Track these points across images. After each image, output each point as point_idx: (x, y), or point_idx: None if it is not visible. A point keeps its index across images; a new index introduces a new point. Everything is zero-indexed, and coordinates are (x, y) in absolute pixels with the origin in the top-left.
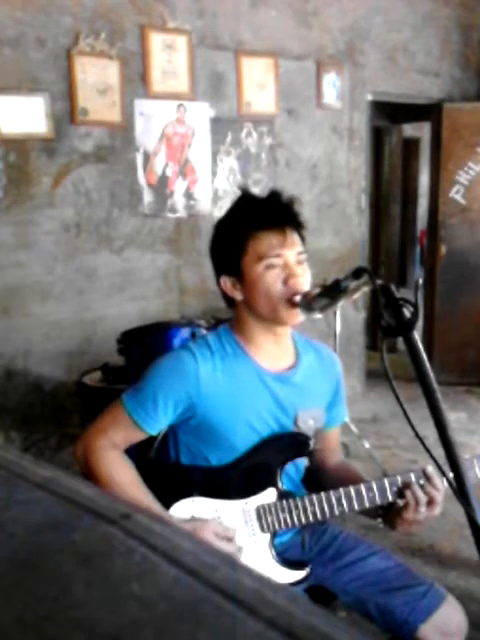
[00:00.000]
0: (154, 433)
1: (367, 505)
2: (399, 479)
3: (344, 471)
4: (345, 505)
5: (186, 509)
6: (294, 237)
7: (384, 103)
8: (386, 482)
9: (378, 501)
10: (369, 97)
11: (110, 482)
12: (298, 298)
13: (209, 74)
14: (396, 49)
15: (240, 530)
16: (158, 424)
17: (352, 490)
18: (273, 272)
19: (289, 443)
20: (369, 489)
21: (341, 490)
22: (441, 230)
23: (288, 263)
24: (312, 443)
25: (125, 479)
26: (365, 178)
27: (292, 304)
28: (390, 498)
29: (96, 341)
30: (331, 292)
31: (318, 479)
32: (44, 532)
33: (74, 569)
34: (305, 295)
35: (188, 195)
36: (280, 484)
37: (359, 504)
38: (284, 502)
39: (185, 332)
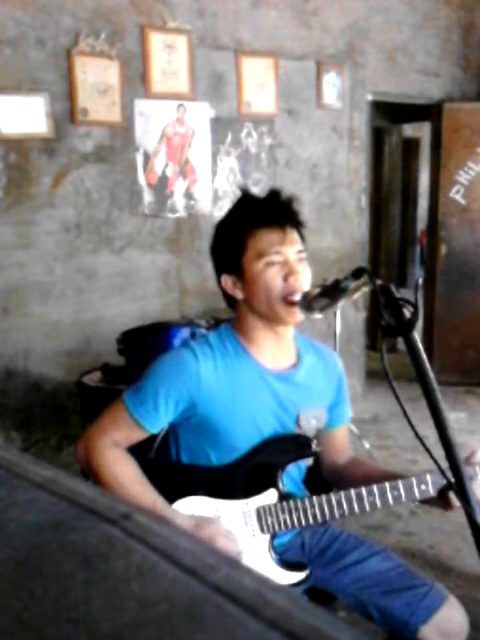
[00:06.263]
0: (155, 431)
1: (367, 508)
2: (401, 484)
3: (358, 466)
4: (345, 508)
5: (186, 508)
6: (294, 235)
7: (384, 103)
8: (387, 486)
9: (378, 505)
10: (369, 97)
11: (113, 480)
12: (297, 297)
13: (209, 74)
14: (396, 49)
15: (240, 530)
16: (159, 422)
17: (353, 493)
18: (273, 269)
19: (291, 445)
20: (370, 493)
21: (342, 493)
22: (441, 230)
23: (288, 260)
24: (314, 445)
25: (128, 476)
26: (365, 178)
27: (290, 303)
28: (391, 502)
29: (96, 341)
30: (331, 292)
31: (334, 480)
32: (44, 532)
33: (74, 569)
34: (305, 295)
35: (188, 195)
36: (281, 485)
37: (359, 507)
38: (284, 503)
39: (185, 332)
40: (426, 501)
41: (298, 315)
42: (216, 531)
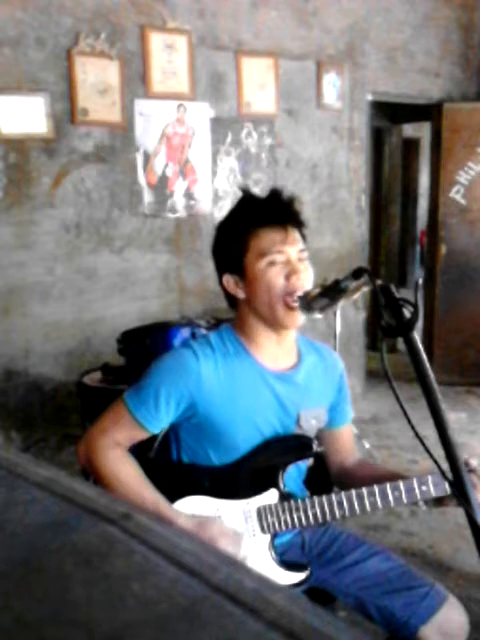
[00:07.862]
0: (156, 431)
1: (368, 509)
2: (402, 485)
3: (366, 468)
4: (346, 508)
5: (187, 508)
6: (295, 234)
7: (384, 103)
8: (388, 487)
9: (379, 505)
10: (369, 97)
11: (115, 480)
12: (297, 297)
13: (209, 74)
14: (396, 49)
15: (240, 530)
16: (160, 422)
17: (354, 493)
18: (275, 268)
19: (292, 445)
20: (370, 493)
21: (342, 493)
22: (441, 230)
23: (290, 259)
24: (315, 445)
25: (130, 476)
26: (365, 178)
27: (290, 307)
28: (392, 503)
29: (96, 341)
30: (331, 292)
31: (342, 483)
32: (44, 532)
33: (74, 569)
34: (305, 295)
35: (188, 195)
36: (282, 486)
37: (360, 507)
38: (285, 503)
39: (185, 332)
40: (439, 501)
41: (299, 319)
42: (219, 532)
